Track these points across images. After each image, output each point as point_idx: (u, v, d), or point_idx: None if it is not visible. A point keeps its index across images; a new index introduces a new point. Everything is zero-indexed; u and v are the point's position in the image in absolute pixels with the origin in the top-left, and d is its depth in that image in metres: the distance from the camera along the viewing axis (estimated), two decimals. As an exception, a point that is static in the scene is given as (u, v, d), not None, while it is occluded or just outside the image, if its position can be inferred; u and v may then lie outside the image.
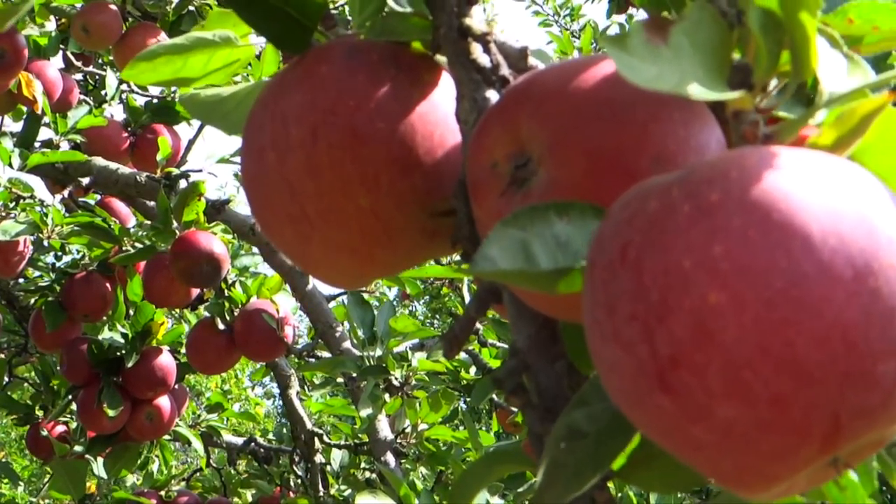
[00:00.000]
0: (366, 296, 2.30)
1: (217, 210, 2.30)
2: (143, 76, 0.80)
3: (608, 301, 0.42)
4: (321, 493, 2.59)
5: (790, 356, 0.38)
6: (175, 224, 2.19)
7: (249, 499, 3.25)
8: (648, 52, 0.42)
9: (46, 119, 2.41)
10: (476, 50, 0.63)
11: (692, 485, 0.54)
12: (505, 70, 0.63)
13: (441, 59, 0.70)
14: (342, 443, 2.69)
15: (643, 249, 0.41)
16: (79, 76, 3.07)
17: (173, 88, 3.04)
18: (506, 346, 2.53)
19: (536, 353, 0.58)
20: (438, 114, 0.67)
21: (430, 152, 0.66)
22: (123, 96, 2.89)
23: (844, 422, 0.38)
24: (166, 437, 2.67)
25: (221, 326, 2.33)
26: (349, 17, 0.75)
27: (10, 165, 2.27)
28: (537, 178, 0.54)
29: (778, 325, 0.38)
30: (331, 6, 0.74)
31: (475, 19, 0.65)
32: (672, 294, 0.40)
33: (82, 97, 2.83)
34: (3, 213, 2.28)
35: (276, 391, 2.85)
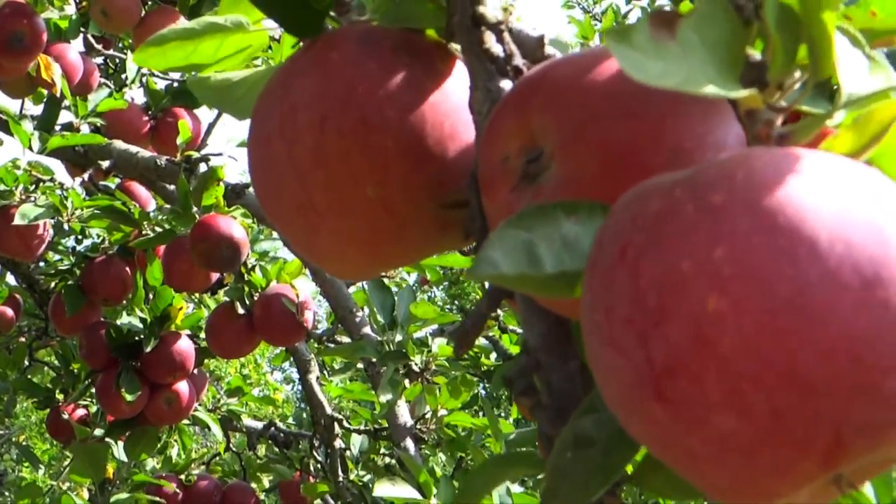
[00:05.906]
0: (386, 281, 2.29)
1: (237, 194, 2.29)
2: (153, 61, 0.78)
3: (605, 303, 0.40)
4: (340, 478, 2.59)
5: (792, 367, 0.36)
6: (195, 208, 2.18)
7: (267, 484, 3.26)
8: (653, 48, 0.40)
9: (67, 102, 2.41)
10: (489, 39, 0.61)
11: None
12: (518, 60, 0.61)
13: (456, 47, 0.68)
14: (362, 428, 2.69)
15: (642, 250, 0.39)
16: (99, 60, 3.07)
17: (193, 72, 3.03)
18: (526, 332, 2.51)
19: (549, 352, 0.57)
20: (451, 103, 0.65)
21: (440, 142, 0.64)
22: (144, 80, 2.88)
23: (847, 438, 0.36)
24: (185, 421, 2.67)
25: (241, 311, 2.33)
26: (363, 2, 0.73)
27: (31, 148, 2.26)
28: (549, 172, 0.52)
29: (780, 335, 0.36)
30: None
31: (489, 7, 0.63)
32: (669, 298, 0.37)
33: (103, 81, 2.83)
34: (23, 197, 2.28)
35: (296, 376, 2.85)
